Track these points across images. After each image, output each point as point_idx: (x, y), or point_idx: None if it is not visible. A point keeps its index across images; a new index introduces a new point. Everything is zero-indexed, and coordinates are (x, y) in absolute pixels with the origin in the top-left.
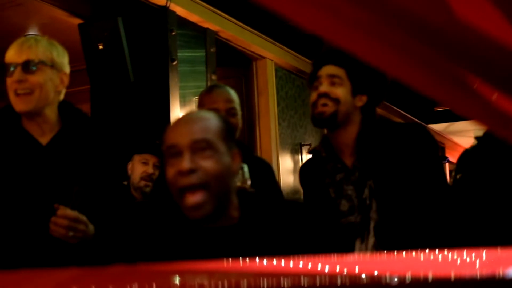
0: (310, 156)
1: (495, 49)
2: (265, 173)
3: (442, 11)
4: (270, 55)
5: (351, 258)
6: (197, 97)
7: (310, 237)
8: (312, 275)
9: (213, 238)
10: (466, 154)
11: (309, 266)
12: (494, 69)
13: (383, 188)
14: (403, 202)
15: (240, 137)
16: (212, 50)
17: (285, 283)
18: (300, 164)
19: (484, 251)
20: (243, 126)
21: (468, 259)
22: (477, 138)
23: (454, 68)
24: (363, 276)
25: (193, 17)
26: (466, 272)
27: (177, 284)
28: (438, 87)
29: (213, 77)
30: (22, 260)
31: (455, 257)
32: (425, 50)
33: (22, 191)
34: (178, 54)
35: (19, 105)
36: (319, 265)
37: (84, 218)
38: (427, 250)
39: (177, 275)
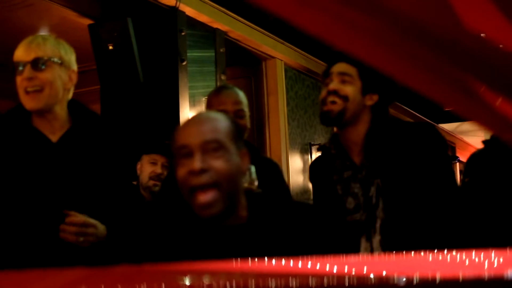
0: (319, 153)
1: (499, 56)
2: (272, 173)
3: (448, 18)
4: (280, 55)
5: (359, 258)
6: (206, 97)
7: (318, 238)
8: (320, 276)
9: (223, 236)
10: (474, 157)
11: (317, 267)
12: (498, 75)
13: (390, 187)
14: (410, 201)
15: (250, 136)
16: (221, 50)
17: (293, 283)
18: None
19: (493, 252)
20: (253, 125)
21: (476, 260)
22: (484, 142)
23: (460, 73)
24: (371, 276)
25: (202, 17)
26: (475, 273)
27: (185, 284)
28: (443, 92)
29: (223, 77)
30: (31, 259)
31: (464, 258)
32: (431, 55)
33: (33, 188)
34: (188, 54)
35: (29, 103)
36: (327, 265)
37: (93, 221)
38: (435, 251)
39: (185, 275)
